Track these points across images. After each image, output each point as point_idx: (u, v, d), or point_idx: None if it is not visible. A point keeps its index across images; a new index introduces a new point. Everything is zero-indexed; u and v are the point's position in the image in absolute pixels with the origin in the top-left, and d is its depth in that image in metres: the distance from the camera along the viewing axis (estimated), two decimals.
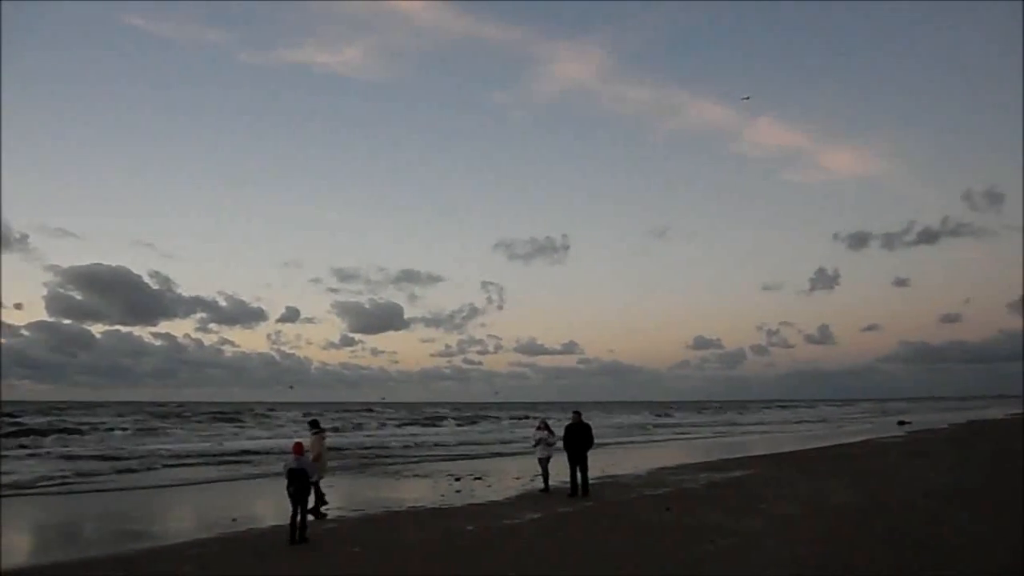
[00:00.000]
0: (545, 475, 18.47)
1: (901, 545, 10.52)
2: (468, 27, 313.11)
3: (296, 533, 11.95)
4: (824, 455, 29.34)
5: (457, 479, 22.41)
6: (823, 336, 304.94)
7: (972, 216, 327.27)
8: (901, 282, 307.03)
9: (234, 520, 14.86)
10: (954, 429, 50.05)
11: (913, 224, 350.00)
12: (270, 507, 16.43)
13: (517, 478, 22.00)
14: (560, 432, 18.22)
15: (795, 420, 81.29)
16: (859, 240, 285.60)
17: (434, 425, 69.93)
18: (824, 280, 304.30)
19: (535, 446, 19.03)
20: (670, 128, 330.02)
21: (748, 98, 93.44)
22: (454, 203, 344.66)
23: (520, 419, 78.57)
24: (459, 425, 70.75)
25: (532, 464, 25.17)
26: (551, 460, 18.63)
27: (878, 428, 55.66)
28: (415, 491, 19.91)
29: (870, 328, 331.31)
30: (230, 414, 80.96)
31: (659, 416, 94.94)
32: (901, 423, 61.35)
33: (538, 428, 19.12)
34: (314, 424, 16.21)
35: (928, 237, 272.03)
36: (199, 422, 64.63)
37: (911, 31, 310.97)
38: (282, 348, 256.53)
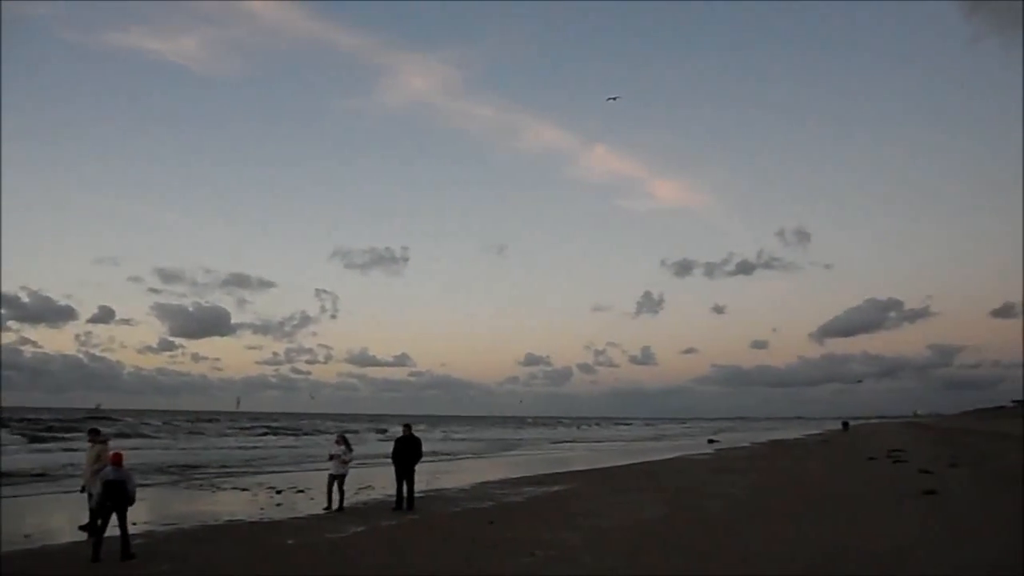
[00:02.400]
0: (329, 493, 17.36)
1: (701, 555, 11.36)
2: (316, 30, 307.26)
3: (99, 550, 11.12)
4: (637, 471, 30.90)
5: (279, 492, 21.73)
6: (645, 357, 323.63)
7: (783, 251, 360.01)
8: (719, 309, 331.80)
9: (27, 537, 13.70)
10: (757, 448, 54.21)
11: (732, 255, 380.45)
12: (68, 523, 15.22)
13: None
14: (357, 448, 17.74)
15: (614, 437, 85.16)
16: (684, 267, 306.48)
17: (264, 435, 67.66)
18: (650, 304, 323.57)
19: (329, 461, 17.93)
20: (511, 148, 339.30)
21: (616, 98, 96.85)
22: (291, 207, 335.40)
23: (380, 432, 77.41)
24: (293, 436, 68.95)
25: (358, 477, 24.88)
26: (346, 478, 17.67)
27: (689, 446, 59.25)
28: (233, 504, 19.12)
29: (688, 351, 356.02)
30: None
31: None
32: (710, 441, 65.75)
33: (335, 442, 18.12)
34: (94, 432, 14.79)
35: (745, 268, 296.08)
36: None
37: (736, 79, 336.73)
38: (92, 350, 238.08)
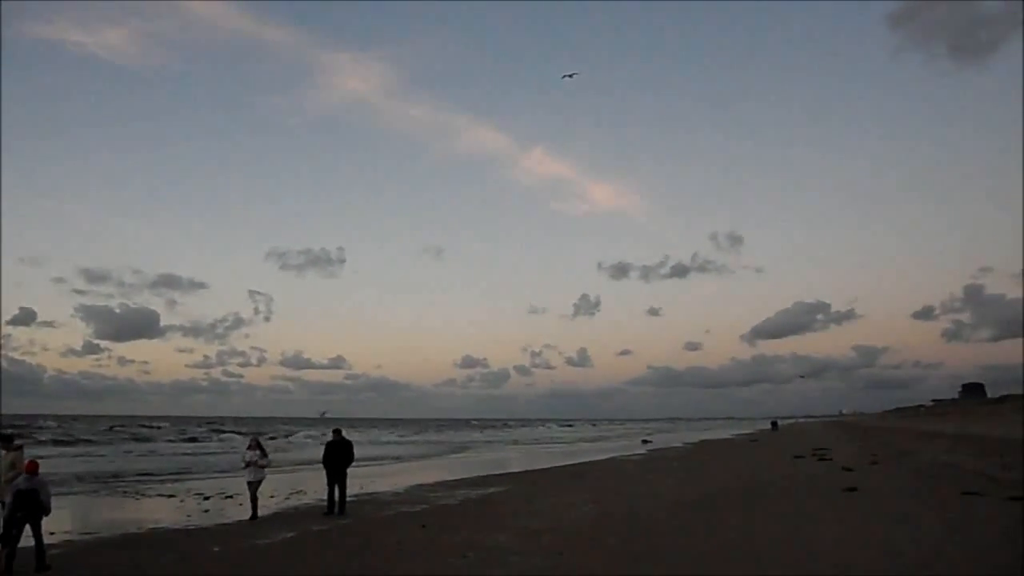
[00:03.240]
0: (254, 501, 16.71)
1: (631, 555, 11.52)
2: (248, 26, 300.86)
3: (11, 562, 10.66)
4: (570, 472, 31.13)
5: (206, 498, 21.24)
6: (582, 359, 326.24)
7: (717, 255, 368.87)
8: (654, 311, 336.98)
9: None
10: (688, 448, 55.17)
11: (668, 259, 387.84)
12: None
13: (272, 496, 21.21)
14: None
15: (555, 439, 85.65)
16: (620, 270, 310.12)
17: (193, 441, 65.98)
18: (586, 306, 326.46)
19: (245, 468, 17.23)
20: (448, 150, 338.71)
21: (573, 75, 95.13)
22: (224, 206, 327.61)
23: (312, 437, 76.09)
24: (223, 441, 67.38)
25: (289, 481, 24.53)
26: (262, 484, 17.13)
27: (623, 447, 59.95)
28: (158, 512, 18.62)
29: (624, 353, 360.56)
30: None
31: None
32: (644, 442, 66.64)
33: (248, 448, 17.47)
34: (7, 439, 14.18)
35: (680, 271, 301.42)
36: None
37: (672, 84, 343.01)
38: (11, 354, 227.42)
